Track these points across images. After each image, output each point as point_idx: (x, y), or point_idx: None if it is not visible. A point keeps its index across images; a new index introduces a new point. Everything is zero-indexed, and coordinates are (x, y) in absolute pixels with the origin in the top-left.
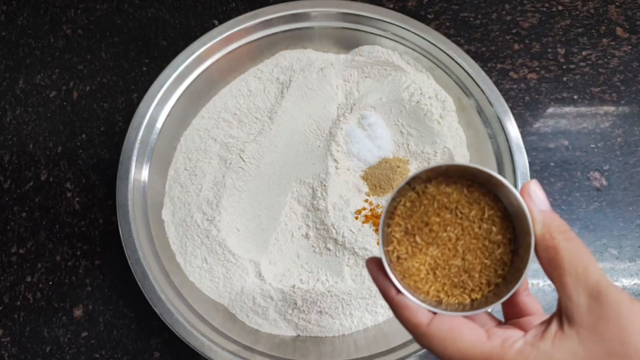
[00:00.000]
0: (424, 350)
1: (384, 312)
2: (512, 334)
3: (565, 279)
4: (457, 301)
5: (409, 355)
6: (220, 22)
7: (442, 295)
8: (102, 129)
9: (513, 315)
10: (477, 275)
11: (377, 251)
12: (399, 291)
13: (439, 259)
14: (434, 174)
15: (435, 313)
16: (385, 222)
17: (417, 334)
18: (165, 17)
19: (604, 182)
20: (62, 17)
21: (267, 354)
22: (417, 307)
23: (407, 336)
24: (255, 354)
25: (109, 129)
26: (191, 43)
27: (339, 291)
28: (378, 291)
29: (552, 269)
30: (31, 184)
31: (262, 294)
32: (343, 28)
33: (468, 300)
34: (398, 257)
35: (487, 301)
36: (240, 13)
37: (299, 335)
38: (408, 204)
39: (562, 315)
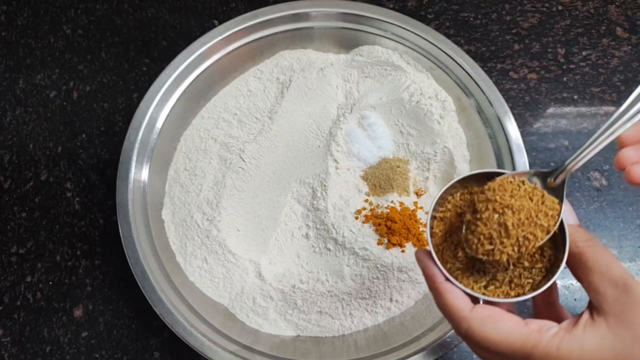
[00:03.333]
0: (425, 350)
1: (384, 312)
2: (547, 323)
3: (592, 277)
4: (498, 292)
5: (409, 356)
6: (220, 22)
7: (485, 284)
8: (102, 129)
9: (547, 317)
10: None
11: (377, 251)
12: (446, 279)
13: None
14: (482, 177)
15: (477, 301)
16: (432, 216)
17: (459, 318)
18: (165, 17)
19: (604, 182)
20: (62, 17)
21: (267, 354)
22: (462, 293)
23: (407, 336)
24: (255, 354)
25: (109, 129)
26: (191, 43)
27: (339, 291)
28: (377, 291)
29: (580, 270)
30: (31, 184)
31: (262, 294)
32: (343, 28)
33: (512, 294)
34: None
35: (526, 293)
36: (240, 13)
37: (299, 336)
38: (458, 200)
39: (592, 308)
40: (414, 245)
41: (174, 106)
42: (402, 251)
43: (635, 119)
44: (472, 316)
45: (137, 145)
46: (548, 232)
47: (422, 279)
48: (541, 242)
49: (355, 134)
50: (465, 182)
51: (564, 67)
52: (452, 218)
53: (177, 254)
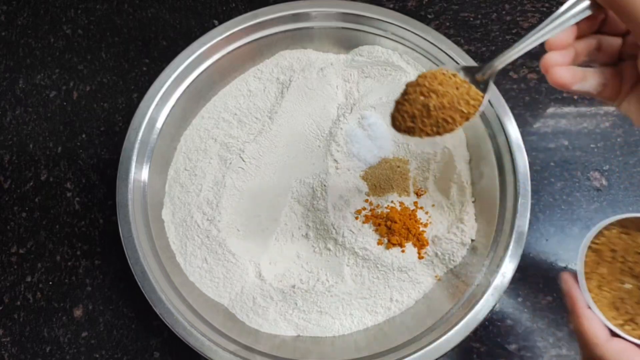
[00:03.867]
0: (424, 350)
1: (384, 312)
2: None
3: None
4: (635, 334)
5: (409, 355)
6: (220, 22)
7: (622, 322)
8: (102, 129)
9: None
10: None
11: (377, 251)
12: (589, 306)
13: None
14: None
15: (615, 335)
16: (588, 245)
17: (594, 344)
18: (165, 17)
19: (604, 182)
20: (62, 17)
21: (267, 354)
22: (600, 322)
23: (408, 336)
24: (256, 354)
25: (109, 129)
26: (191, 43)
27: (339, 291)
28: (378, 291)
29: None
30: (31, 184)
31: (262, 294)
32: (343, 28)
33: None
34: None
35: None
36: (240, 13)
37: (299, 335)
38: (613, 236)
39: None
40: (414, 245)
41: (174, 106)
42: (402, 251)
43: (565, 25)
44: (608, 346)
45: (137, 145)
46: (467, 119)
47: (422, 278)
48: (459, 127)
49: (355, 134)
50: (624, 222)
51: None
52: (604, 252)
53: (177, 254)
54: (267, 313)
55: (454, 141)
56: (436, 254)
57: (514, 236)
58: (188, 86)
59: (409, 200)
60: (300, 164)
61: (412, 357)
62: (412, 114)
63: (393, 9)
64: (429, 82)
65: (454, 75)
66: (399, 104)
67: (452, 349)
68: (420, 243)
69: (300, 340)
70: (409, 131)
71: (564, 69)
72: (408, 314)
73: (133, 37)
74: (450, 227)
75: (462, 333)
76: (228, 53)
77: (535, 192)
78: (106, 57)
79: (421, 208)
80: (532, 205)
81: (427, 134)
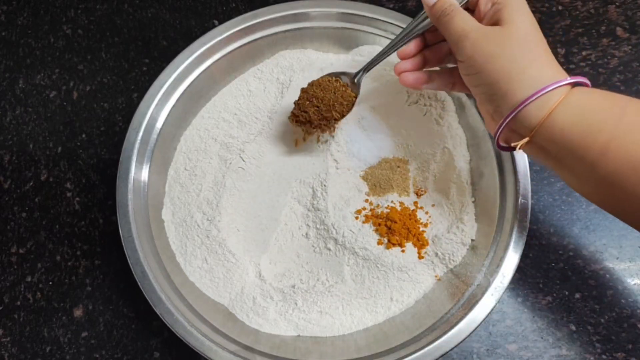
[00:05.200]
0: (424, 350)
1: (384, 312)
2: None
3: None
4: None
5: (409, 355)
6: (221, 22)
7: None
8: (102, 128)
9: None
10: None
11: (376, 251)
12: None
13: None
14: None
15: None
16: None
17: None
18: (165, 17)
19: None
20: (62, 17)
21: (267, 354)
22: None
23: (408, 336)
24: (256, 354)
25: (109, 129)
26: (191, 43)
27: (339, 291)
28: (378, 291)
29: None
30: (31, 184)
31: (262, 293)
32: (343, 28)
33: None
34: None
35: None
36: (240, 13)
37: (299, 335)
38: None
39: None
40: (414, 245)
41: (174, 106)
42: (402, 251)
43: (411, 37)
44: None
45: (137, 145)
46: (342, 115)
47: (422, 278)
48: (338, 121)
49: (355, 134)
50: None
51: (564, 67)
52: None
53: (177, 254)
54: (267, 313)
55: (454, 141)
56: (436, 254)
57: (513, 236)
58: (188, 86)
59: (409, 200)
60: (300, 164)
61: (412, 357)
62: (305, 112)
63: (393, 9)
64: (314, 89)
65: (337, 80)
66: (296, 104)
67: (452, 349)
68: (420, 243)
69: (301, 340)
70: (304, 124)
71: (409, 74)
72: (408, 314)
73: (133, 37)
74: (450, 227)
75: (462, 333)
76: (228, 53)
77: (535, 192)
78: (106, 57)
79: (421, 208)
80: (532, 205)
81: (317, 127)
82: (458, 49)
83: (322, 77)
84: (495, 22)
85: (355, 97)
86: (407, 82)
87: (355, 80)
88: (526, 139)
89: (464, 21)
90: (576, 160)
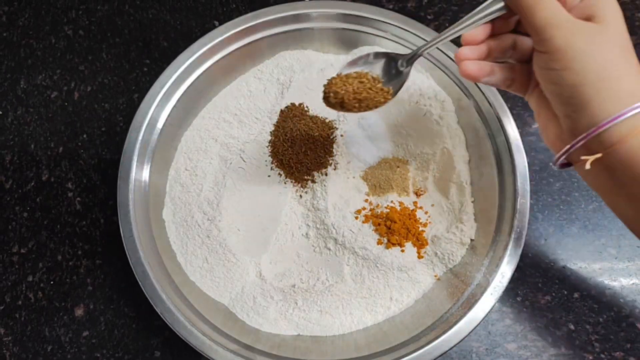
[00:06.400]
0: (424, 349)
1: (384, 311)
2: None
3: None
4: None
5: (409, 354)
6: (221, 23)
7: None
8: (103, 129)
9: None
10: None
11: (376, 250)
12: None
13: None
14: None
15: None
16: None
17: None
18: (165, 18)
19: None
20: (64, 18)
21: (267, 353)
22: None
23: (407, 335)
24: (256, 353)
25: (110, 129)
26: (192, 44)
27: (339, 290)
28: (377, 291)
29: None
30: (32, 184)
31: (262, 293)
32: (343, 29)
33: None
34: None
35: None
36: (240, 14)
37: (299, 335)
38: None
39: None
40: (414, 245)
41: (174, 106)
42: (402, 251)
43: (479, 23)
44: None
45: (138, 146)
46: (376, 107)
47: (421, 278)
48: (370, 109)
49: (355, 135)
50: None
51: None
52: None
53: (178, 254)
54: (267, 312)
55: (454, 141)
56: (435, 254)
57: (513, 236)
58: (189, 87)
59: (408, 200)
60: None
61: (411, 356)
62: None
63: (393, 9)
64: (346, 84)
65: (374, 79)
66: (328, 82)
67: (452, 348)
68: (420, 243)
69: (301, 339)
70: (334, 106)
71: (473, 63)
72: (407, 314)
73: (134, 37)
74: (450, 226)
75: (462, 332)
76: (228, 54)
77: (534, 192)
78: (107, 58)
79: (421, 208)
80: (531, 205)
81: (348, 109)
82: (544, 39)
83: (349, 75)
84: (587, 16)
85: (391, 94)
86: (468, 71)
87: (405, 63)
88: (598, 155)
89: (554, 8)
90: None
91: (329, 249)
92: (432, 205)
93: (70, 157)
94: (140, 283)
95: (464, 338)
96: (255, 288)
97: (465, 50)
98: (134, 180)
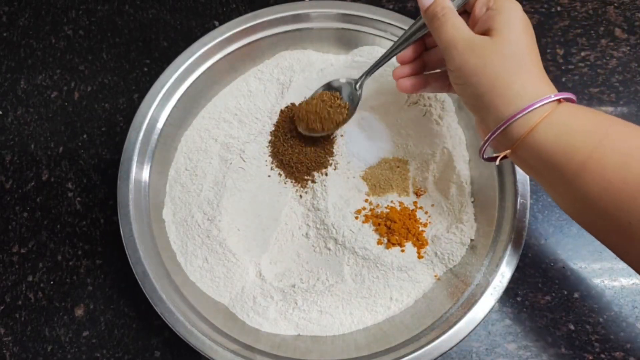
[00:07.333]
0: (424, 349)
1: (384, 311)
2: None
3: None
4: None
5: (409, 354)
6: (221, 23)
7: None
8: (103, 129)
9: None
10: None
11: (376, 250)
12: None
13: None
14: None
15: None
16: None
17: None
18: (166, 18)
19: None
20: (64, 18)
21: (267, 353)
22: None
23: (407, 335)
24: (256, 353)
25: (110, 129)
26: (192, 44)
27: (339, 290)
28: (377, 290)
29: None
30: (32, 184)
31: (262, 293)
32: (343, 29)
33: None
34: None
35: None
36: (240, 14)
37: (299, 335)
38: None
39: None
40: (414, 244)
41: (174, 106)
42: (402, 251)
43: (409, 42)
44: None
45: (138, 146)
46: (337, 124)
47: (421, 278)
48: (334, 129)
49: (355, 134)
50: None
51: (563, 67)
52: None
53: (178, 254)
54: (267, 312)
55: (454, 141)
56: (436, 254)
57: (513, 236)
58: (189, 87)
59: (408, 200)
60: None
61: (411, 356)
62: (305, 125)
63: (393, 9)
64: (309, 106)
65: (335, 97)
66: (297, 118)
67: (452, 348)
68: (420, 243)
69: (301, 339)
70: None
71: (406, 80)
72: (407, 314)
73: (134, 37)
74: (450, 226)
75: (462, 332)
76: (228, 54)
77: (534, 192)
78: (107, 58)
79: (421, 208)
80: (531, 205)
81: (317, 130)
82: (447, 57)
83: (319, 94)
84: (486, 29)
85: (348, 108)
86: (403, 88)
87: (357, 86)
88: (505, 152)
89: (454, 28)
90: (554, 176)
91: (329, 249)
92: (432, 205)
93: (70, 157)
94: (140, 283)
95: (464, 338)
96: (255, 288)
97: (398, 70)
98: (134, 180)
